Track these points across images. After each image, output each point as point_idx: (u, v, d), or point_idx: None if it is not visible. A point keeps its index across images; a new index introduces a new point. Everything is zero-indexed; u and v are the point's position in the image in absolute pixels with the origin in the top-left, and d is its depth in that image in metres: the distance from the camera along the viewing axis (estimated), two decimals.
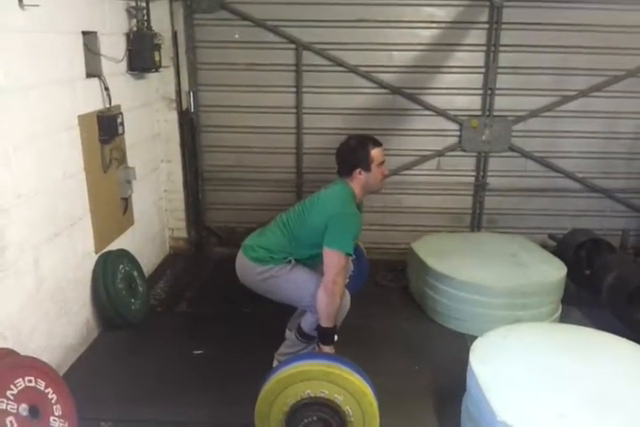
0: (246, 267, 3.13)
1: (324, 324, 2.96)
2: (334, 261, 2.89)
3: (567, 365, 2.67)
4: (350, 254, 2.96)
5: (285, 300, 3.13)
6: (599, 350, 2.86)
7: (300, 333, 3.13)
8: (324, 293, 2.89)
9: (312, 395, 2.57)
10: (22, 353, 2.72)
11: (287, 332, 3.33)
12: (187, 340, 3.73)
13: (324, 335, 3.02)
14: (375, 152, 3.05)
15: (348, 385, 2.57)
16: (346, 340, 3.53)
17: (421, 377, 3.37)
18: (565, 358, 2.72)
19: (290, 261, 3.06)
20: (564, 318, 3.92)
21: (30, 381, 2.48)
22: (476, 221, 5.24)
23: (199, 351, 3.55)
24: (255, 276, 3.08)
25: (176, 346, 3.66)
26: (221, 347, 3.63)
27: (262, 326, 3.70)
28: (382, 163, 3.10)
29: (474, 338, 2.99)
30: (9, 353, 2.64)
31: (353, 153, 3.07)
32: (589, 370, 2.65)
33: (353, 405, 2.58)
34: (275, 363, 3.21)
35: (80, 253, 3.51)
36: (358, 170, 3.05)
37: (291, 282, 3.04)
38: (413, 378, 3.37)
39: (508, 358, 2.75)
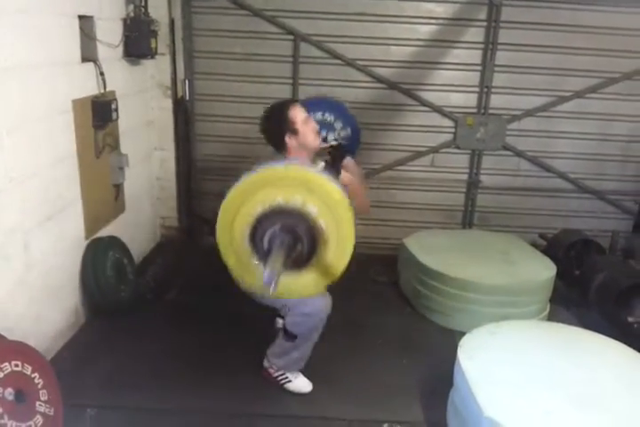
0: None
1: None
2: None
3: (554, 362, 2.69)
4: None
5: (269, 302, 2.97)
6: (586, 348, 2.88)
7: (285, 331, 3.04)
8: None
9: (282, 203, 2.25)
10: (10, 337, 2.70)
11: (277, 320, 3.31)
12: (176, 328, 3.72)
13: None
14: (292, 112, 2.91)
15: (325, 195, 2.26)
16: (335, 333, 3.54)
17: (409, 372, 3.38)
18: (552, 356, 2.74)
19: None
20: (551, 317, 3.94)
21: (17, 365, 2.46)
22: (468, 218, 5.26)
23: None
24: None
25: (165, 334, 3.65)
26: (210, 335, 3.62)
27: (253, 315, 3.69)
28: (307, 119, 2.96)
29: (462, 334, 2.99)
30: None
31: (272, 123, 2.95)
32: (576, 368, 2.66)
33: (328, 218, 2.26)
34: (265, 362, 3.19)
35: (70, 239, 3.49)
36: (287, 136, 2.91)
37: None
38: (401, 372, 3.38)
39: (495, 354, 2.76)
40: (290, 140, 2.93)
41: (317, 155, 3.04)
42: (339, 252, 2.31)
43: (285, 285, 2.28)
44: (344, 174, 2.95)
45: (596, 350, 2.87)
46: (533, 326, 3.26)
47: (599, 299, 3.99)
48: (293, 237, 2.25)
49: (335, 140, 3.94)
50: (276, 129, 2.94)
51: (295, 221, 2.25)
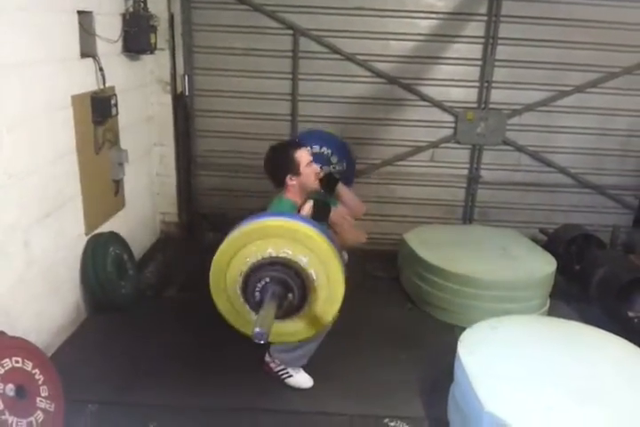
0: None
1: None
2: None
3: (555, 357, 2.69)
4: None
5: None
6: (587, 343, 2.88)
7: None
8: None
9: (274, 254, 2.36)
10: (10, 333, 2.70)
11: None
12: (176, 324, 3.72)
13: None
14: (299, 154, 3.06)
15: (314, 246, 2.35)
16: (335, 328, 3.53)
17: (409, 367, 3.38)
18: (553, 351, 2.74)
19: None
20: (552, 312, 3.94)
21: (18, 361, 2.47)
22: (468, 213, 5.25)
23: None
24: None
25: (165, 330, 3.65)
26: (211, 331, 3.61)
27: None
28: (310, 163, 3.09)
29: (462, 329, 2.99)
30: None
31: (277, 162, 3.08)
32: (576, 363, 2.67)
33: (318, 268, 2.36)
34: (267, 357, 3.20)
35: (70, 235, 3.48)
36: (289, 176, 3.04)
37: None
38: (401, 368, 3.38)
39: (496, 349, 2.76)
40: (290, 181, 3.07)
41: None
42: (329, 299, 2.42)
43: (276, 332, 2.36)
44: (336, 212, 3.11)
45: (596, 345, 2.87)
46: (534, 320, 3.26)
47: (600, 294, 3.99)
48: (284, 287, 2.35)
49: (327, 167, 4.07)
50: (280, 168, 3.06)
51: (286, 272, 2.35)
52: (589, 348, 2.84)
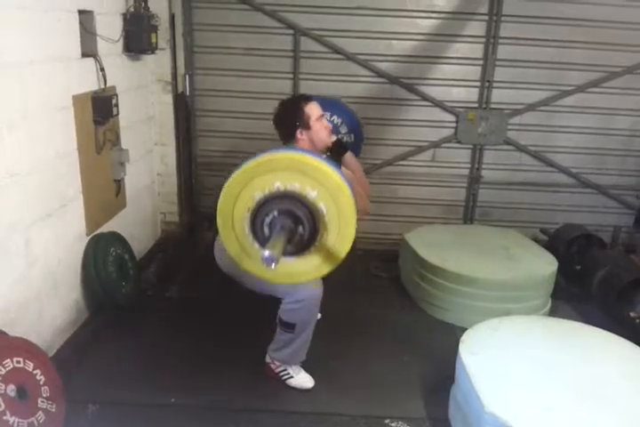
0: (219, 252, 3.02)
1: None
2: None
3: (556, 358, 2.69)
4: None
5: (259, 289, 2.99)
6: (588, 344, 2.88)
7: (280, 321, 3.04)
8: None
9: (282, 188, 2.25)
10: (11, 334, 2.70)
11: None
12: (177, 324, 3.72)
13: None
14: (309, 108, 2.96)
15: (323, 178, 2.25)
16: (336, 328, 3.56)
17: (410, 367, 3.38)
18: (555, 352, 2.74)
19: None
20: (553, 313, 3.94)
21: (19, 362, 2.47)
22: (470, 213, 5.25)
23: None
24: (227, 263, 2.89)
25: (166, 330, 3.65)
26: (211, 331, 3.62)
27: (254, 312, 3.69)
28: (321, 117, 3.00)
29: (464, 329, 3.00)
30: None
31: (286, 116, 2.99)
32: (578, 364, 2.67)
33: (328, 202, 2.25)
34: (267, 358, 3.20)
35: (71, 235, 3.48)
36: (299, 131, 2.95)
37: (253, 280, 2.85)
38: (402, 368, 3.38)
39: (497, 349, 2.76)
40: (301, 135, 2.97)
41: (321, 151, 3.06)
42: (340, 235, 2.29)
43: (288, 271, 2.31)
44: (344, 170, 2.93)
45: (598, 346, 2.87)
46: (535, 321, 3.25)
47: (601, 294, 3.99)
48: (293, 220, 2.24)
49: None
50: (289, 122, 2.95)
51: (294, 205, 2.24)
52: (591, 348, 2.84)
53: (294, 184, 2.23)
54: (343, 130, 4.08)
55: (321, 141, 3.02)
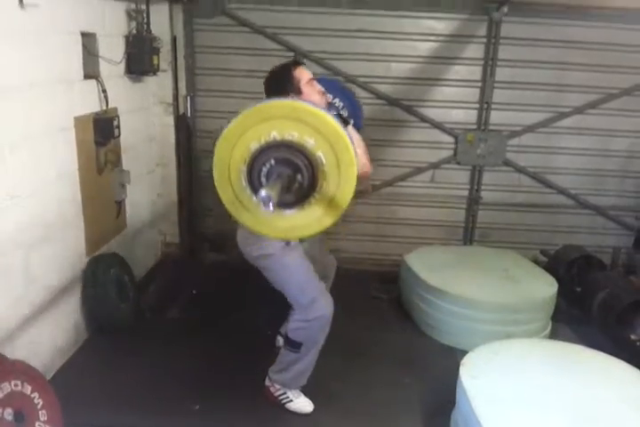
0: (242, 238, 2.99)
1: None
2: None
3: (557, 382, 2.67)
4: None
5: (276, 285, 2.99)
6: (589, 368, 2.87)
7: (287, 340, 3.03)
8: None
9: (278, 138, 2.19)
10: (9, 356, 2.68)
11: (278, 338, 3.29)
12: (176, 346, 3.69)
13: None
14: (298, 71, 2.87)
15: (320, 125, 2.18)
16: (336, 350, 3.52)
17: (411, 390, 3.36)
18: (555, 376, 2.72)
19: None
20: (553, 335, 3.91)
21: (16, 385, 2.45)
22: (469, 234, 5.25)
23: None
24: (251, 250, 2.92)
25: (165, 353, 3.61)
26: (211, 354, 3.60)
27: (253, 334, 3.69)
28: (311, 80, 2.89)
29: (464, 352, 2.98)
30: None
31: (276, 81, 2.91)
32: (578, 388, 2.65)
33: (326, 150, 2.19)
34: (267, 381, 3.17)
35: (71, 256, 3.48)
36: (290, 96, 2.82)
37: (284, 269, 2.92)
38: (402, 391, 3.35)
39: (498, 373, 2.75)
40: None
41: None
42: (341, 184, 2.23)
43: (289, 223, 2.26)
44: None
45: (599, 370, 2.85)
46: (536, 344, 3.24)
47: (601, 316, 3.97)
48: (291, 169, 2.19)
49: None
50: (280, 88, 2.85)
51: (292, 153, 2.18)
52: (592, 372, 2.82)
53: (291, 133, 2.18)
54: (344, 113, 4.01)
55: (317, 105, 2.86)
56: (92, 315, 3.64)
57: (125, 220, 4.24)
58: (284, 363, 3.06)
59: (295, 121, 2.18)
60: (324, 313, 2.92)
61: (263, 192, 1.96)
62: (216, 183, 2.32)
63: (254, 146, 2.20)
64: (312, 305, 2.90)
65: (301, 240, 2.94)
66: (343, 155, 2.19)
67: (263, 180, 2.19)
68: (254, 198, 2.24)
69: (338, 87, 4.01)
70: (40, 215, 3.11)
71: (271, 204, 1.96)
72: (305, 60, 4.78)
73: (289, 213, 2.24)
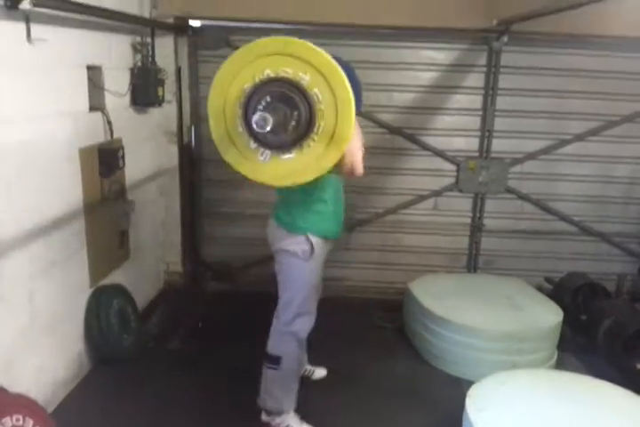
0: (274, 232, 2.97)
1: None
2: None
3: (563, 413, 2.64)
4: None
5: (281, 283, 2.97)
6: (597, 399, 2.83)
7: (266, 357, 3.02)
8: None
9: (272, 75, 2.15)
10: (11, 389, 2.67)
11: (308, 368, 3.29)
12: (178, 378, 3.66)
13: None
14: None
15: (314, 60, 2.13)
16: (338, 381, 3.51)
17: (416, 422, 3.31)
18: (562, 407, 2.69)
19: (310, 244, 2.84)
20: (560, 365, 3.88)
21: (18, 420, 2.44)
22: (473, 261, 5.24)
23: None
24: (280, 243, 2.90)
25: (167, 384, 3.58)
26: (212, 386, 3.57)
27: (256, 367, 3.65)
28: None
29: (470, 382, 2.96)
30: None
31: None
32: (585, 419, 2.62)
33: (322, 87, 2.14)
34: (263, 417, 3.13)
35: (75, 287, 3.48)
36: None
37: (299, 271, 2.90)
38: (407, 422, 3.31)
39: (504, 405, 2.72)
40: None
41: None
42: (340, 119, 2.20)
43: (289, 167, 2.23)
44: None
45: (605, 400, 2.82)
46: (542, 375, 3.20)
47: (607, 345, 3.94)
48: (288, 104, 2.16)
49: None
50: None
51: (287, 88, 2.15)
52: (599, 403, 2.79)
53: (286, 70, 2.15)
54: None
55: None
56: (94, 346, 3.62)
57: (129, 249, 4.25)
58: (268, 383, 3.04)
59: (288, 57, 2.15)
60: (303, 328, 2.95)
61: (258, 115, 1.94)
62: (213, 133, 2.30)
63: (249, 86, 2.17)
64: (299, 317, 2.92)
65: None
66: (340, 92, 2.16)
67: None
68: (252, 144, 2.23)
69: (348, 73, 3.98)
70: (44, 246, 3.12)
71: (268, 127, 1.94)
72: None
73: (286, 157, 2.22)
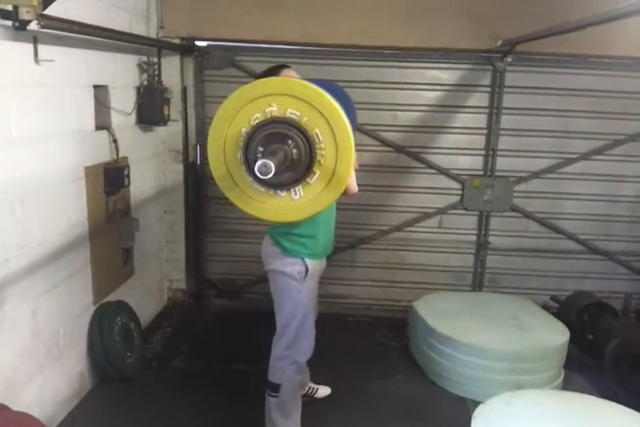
0: (268, 250, 2.97)
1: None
2: None
3: None
4: None
5: (277, 305, 2.96)
6: (603, 420, 2.79)
7: (266, 384, 3.00)
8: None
9: (274, 114, 2.17)
10: (14, 407, 2.66)
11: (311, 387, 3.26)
12: (181, 396, 3.64)
13: None
14: (284, 73, 2.81)
15: (313, 100, 2.15)
16: (342, 401, 3.48)
17: None
18: None
19: (305, 266, 2.85)
20: (566, 384, 3.84)
21: None
22: (478, 279, 5.21)
23: None
24: (273, 263, 2.91)
25: (170, 403, 3.56)
26: (216, 404, 3.54)
27: (259, 386, 3.63)
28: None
29: (475, 402, 2.93)
30: (0, 409, 2.58)
31: None
32: None
33: (322, 126, 2.16)
34: None
35: (78, 305, 3.47)
36: None
37: (282, 293, 2.91)
38: None
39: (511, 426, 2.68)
40: None
41: None
42: (339, 157, 2.21)
43: (294, 201, 2.25)
44: None
45: (612, 422, 2.78)
46: (549, 395, 3.16)
47: (614, 365, 3.89)
48: (286, 143, 2.16)
49: None
50: None
51: (285, 127, 2.16)
52: (606, 424, 2.75)
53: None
54: None
55: None
56: (97, 365, 3.61)
57: (133, 267, 4.25)
58: (269, 410, 3.01)
59: (288, 97, 2.17)
60: (303, 352, 2.94)
61: (260, 162, 1.95)
62: (218, 183, 2.32)
63: (244, 131, 2.20)
64: (298, 340, 2.91)
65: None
66: (340, 131, 2.18)
67: (259, 156, 2.16)
68: (254, 184, 2.25)
69: (326, 87, 3.99)
70: (48, 265, 3.12)
71: (268, 173, 1.95)
72: None
73: (285, 194, 2.24)
